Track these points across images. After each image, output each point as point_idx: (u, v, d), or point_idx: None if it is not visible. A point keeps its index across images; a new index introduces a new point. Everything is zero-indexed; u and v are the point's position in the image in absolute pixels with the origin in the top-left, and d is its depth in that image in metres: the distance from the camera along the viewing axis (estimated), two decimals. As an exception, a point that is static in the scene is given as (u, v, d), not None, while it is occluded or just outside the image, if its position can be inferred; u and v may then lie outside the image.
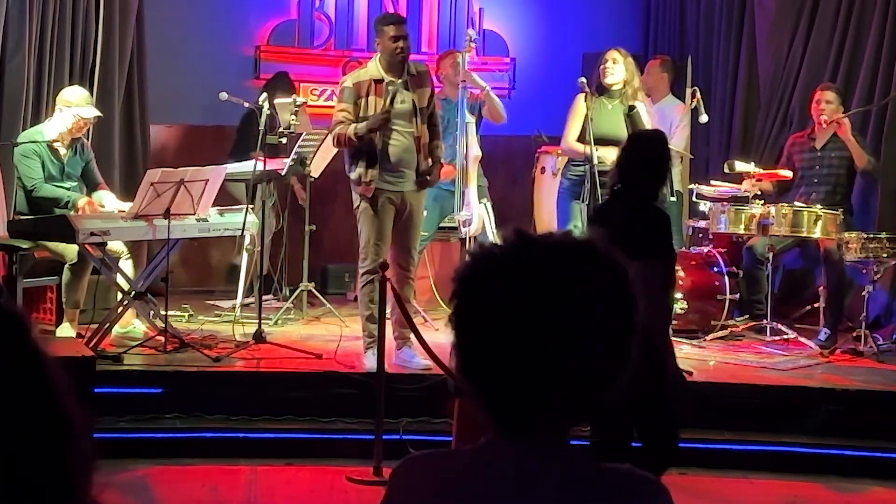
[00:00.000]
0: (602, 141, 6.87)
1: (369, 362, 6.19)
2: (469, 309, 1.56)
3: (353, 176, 6.46)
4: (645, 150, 5.05)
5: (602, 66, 7.10)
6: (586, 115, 6.92)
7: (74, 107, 6.89)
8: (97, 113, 7.10)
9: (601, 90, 7.09)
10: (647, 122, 7.03)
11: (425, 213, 7.63)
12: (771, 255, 7.44)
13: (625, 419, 4.85)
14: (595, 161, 6.77)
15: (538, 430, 1.56)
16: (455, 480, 1.58)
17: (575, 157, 7.06)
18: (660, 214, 5.01)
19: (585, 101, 6.98)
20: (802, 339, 7.26)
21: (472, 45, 7.48)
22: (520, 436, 1.57)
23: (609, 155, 6.47)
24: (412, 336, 6.06)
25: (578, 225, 6.86)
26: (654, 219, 4.93)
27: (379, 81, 6.36)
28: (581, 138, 6.99)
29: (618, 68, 7.08)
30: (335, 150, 8.00)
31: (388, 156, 6.38)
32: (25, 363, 1.25)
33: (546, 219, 8.10)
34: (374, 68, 6.44)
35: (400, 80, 6.38)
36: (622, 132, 6.73)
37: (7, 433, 1.22)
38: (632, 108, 6.98)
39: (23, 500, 1.22)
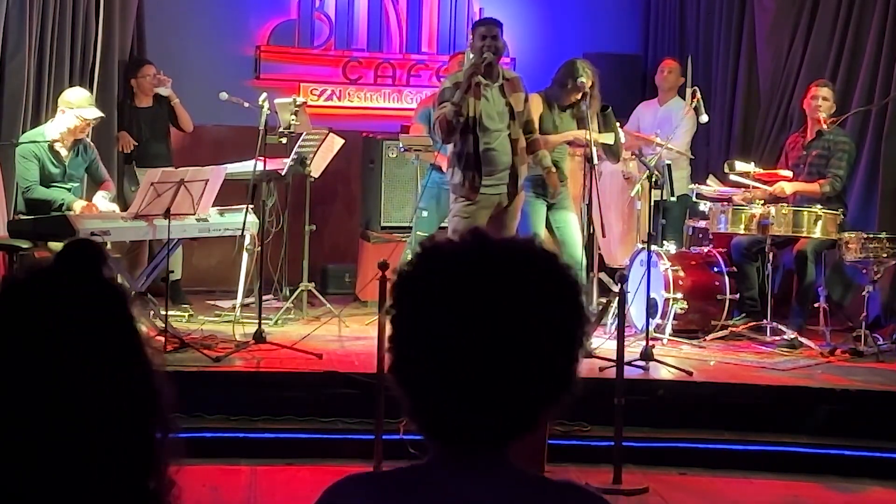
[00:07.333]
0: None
1: None
2: (411, 304, 1.49)
3: (454, 181, 6.53)
4: None
5: (580, 79, 6.98)
6: (542, 116, 7.01)
7: (76, 108, 6.90)
8: (99, 114, 7.11)
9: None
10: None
11: (425, 213, 7.63)
12: (770, 255, 7.44)
13: None
14: (595, 161, 6.78)
15: (472, 445, 1.49)
16: None
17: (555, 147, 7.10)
18: None
19: (544, 102, 7.07)
20: (802, 339, 7.25)
21: None
22: (456, 452, 1.50)
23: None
24: None
25: (539, 223, 6.95)
26: None
27: (476, 83, 6.45)
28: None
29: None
30: (336, 149, 8.01)
31: (485, 159, 6.46)
32: (124, 334, 1.35)
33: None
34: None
35: (496, 83, 6.50)
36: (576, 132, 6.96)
37: (100, 394, 1.30)
38: (605, 107, 7.02)
39: (104, 464, 1.30)
